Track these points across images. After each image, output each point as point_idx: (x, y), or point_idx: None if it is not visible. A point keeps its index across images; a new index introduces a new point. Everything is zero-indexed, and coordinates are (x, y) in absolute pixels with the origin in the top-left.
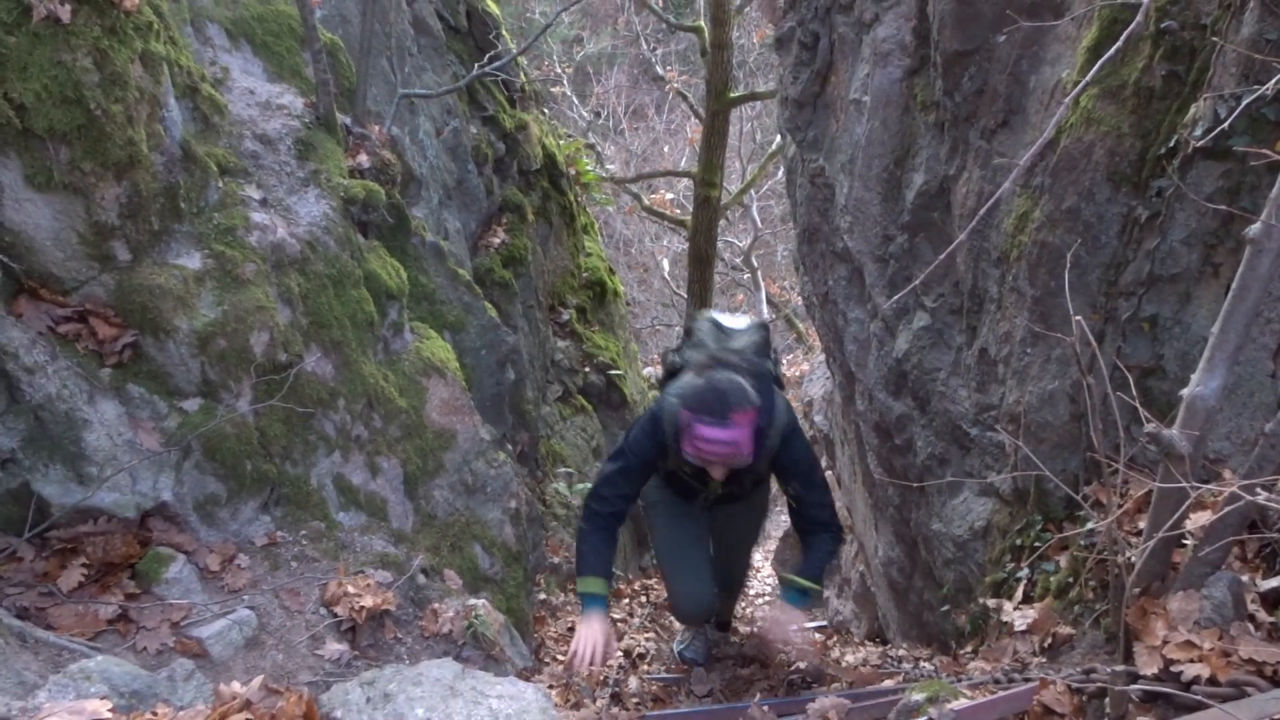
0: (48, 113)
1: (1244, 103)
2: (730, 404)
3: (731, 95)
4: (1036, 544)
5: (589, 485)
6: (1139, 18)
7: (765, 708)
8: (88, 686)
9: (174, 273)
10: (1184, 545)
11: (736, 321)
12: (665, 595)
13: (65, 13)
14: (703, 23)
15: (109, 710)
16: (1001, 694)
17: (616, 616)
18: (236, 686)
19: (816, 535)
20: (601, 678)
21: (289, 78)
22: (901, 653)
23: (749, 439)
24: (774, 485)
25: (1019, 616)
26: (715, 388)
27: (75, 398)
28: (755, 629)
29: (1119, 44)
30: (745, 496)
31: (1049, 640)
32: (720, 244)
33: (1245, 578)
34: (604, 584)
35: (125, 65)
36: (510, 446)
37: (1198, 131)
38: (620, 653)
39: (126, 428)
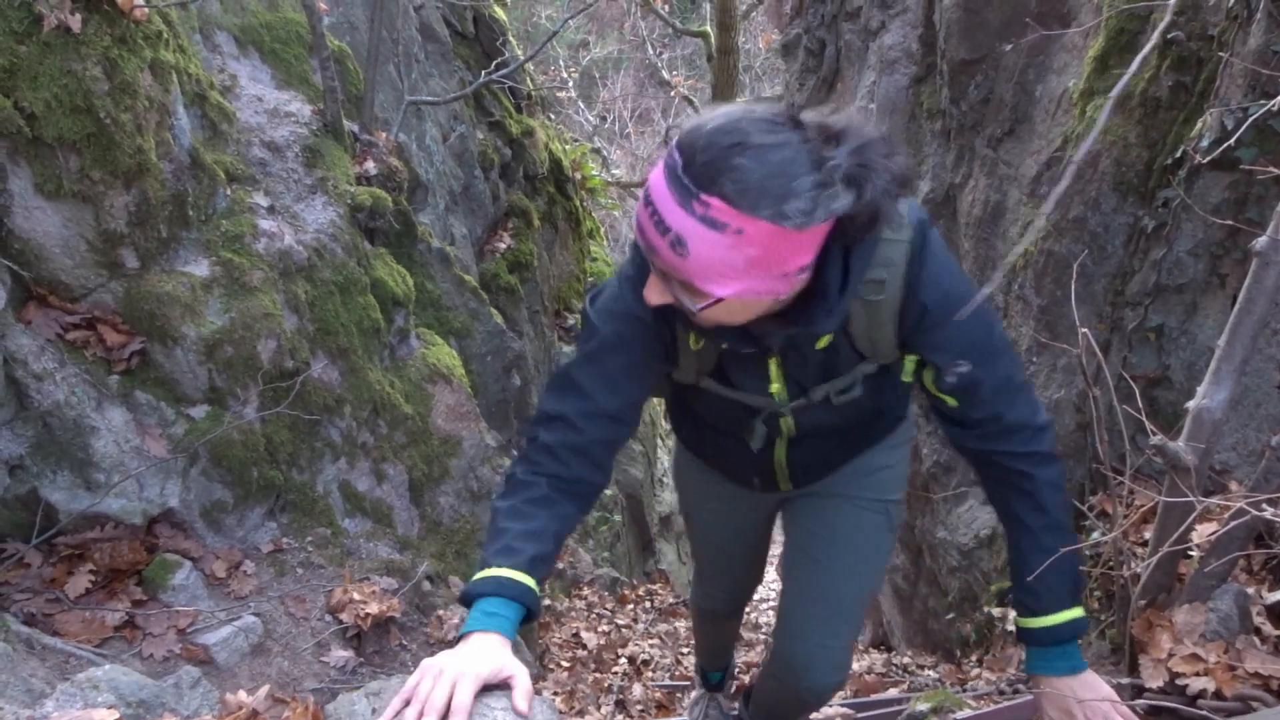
0: (58, 121)
1: (1251, 116)
2: (728, 167)
3: (737, 100)
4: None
5: None
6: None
7: None
8: (95, 696)
9: (182, 280)
10: (1190, 557)
11: None
12: (695, 582)
13: (75, 22)
14: (709, 28)
15: None
16: (1006, 704)
17: (621, 622)
18: (243, 696)
19: (1030, 482)
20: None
21: (297, 85)
22: (906, 660)
23: (760, 265)
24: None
25: None
26: (724, 130)
27: (83, 404)
28: None
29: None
30: (850, 450)
31: None
32: None
33: (1251, 591)
34: (523, 585)
35: (135, 74)
36: (515, 452)
37: (1204, 144)
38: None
39: (134, 434)
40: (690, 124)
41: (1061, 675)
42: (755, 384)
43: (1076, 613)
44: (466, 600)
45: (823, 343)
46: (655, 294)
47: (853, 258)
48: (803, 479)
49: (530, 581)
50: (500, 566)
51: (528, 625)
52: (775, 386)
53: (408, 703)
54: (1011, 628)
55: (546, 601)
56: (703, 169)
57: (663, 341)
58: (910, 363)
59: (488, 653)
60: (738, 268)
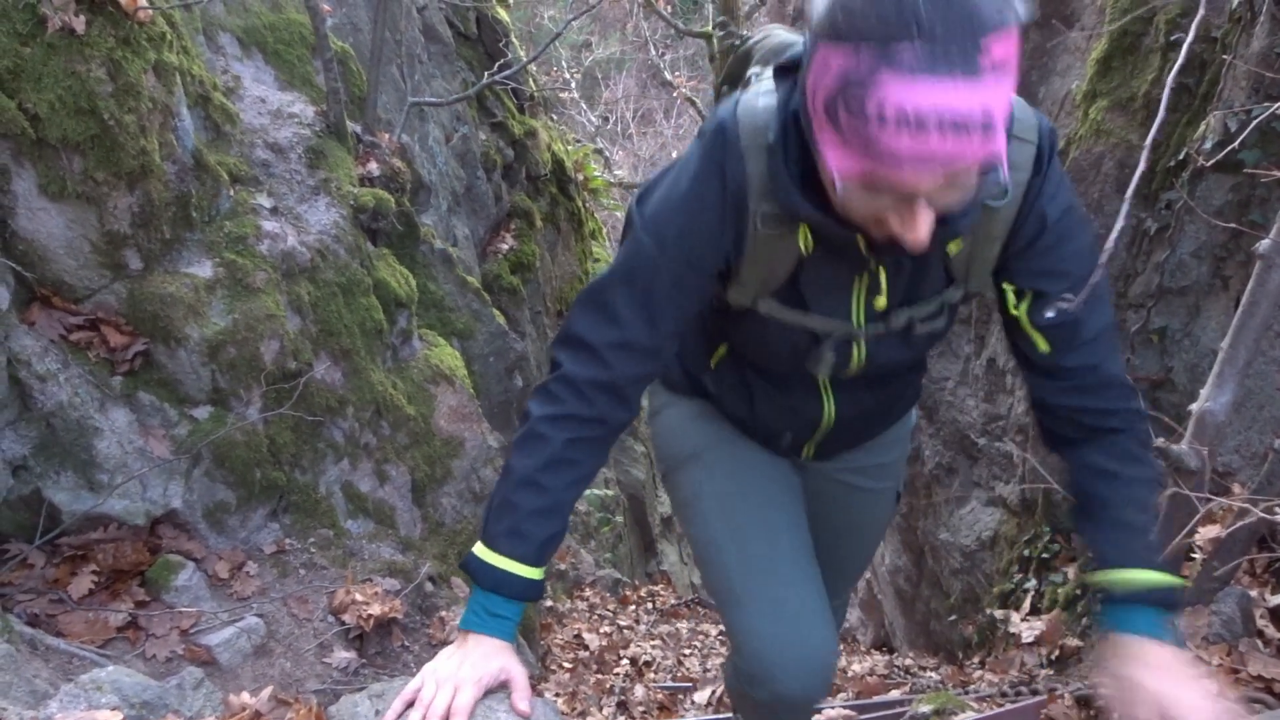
0: (61, 123)
1: (1255, 119)
2: (980, 12)
3: None
4: (1044, 555)
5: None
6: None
7: None
8: (99, 697)
9: (185, 281)
10: (1193, 560)
11: None
12: (732, 645)
13: (80, 24)
14: (711, 28)
15: None
16: (1009, 707)
17: (623, 624)
18: (246, 697)
19: (1126, 441)
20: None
21: (300, 86)
22: (908, 662)
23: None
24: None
25: (1026, 628)
26: None
27: (86, 405)
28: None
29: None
30: (882, 417)
31: (1056, 652)
32: None
33: (1255, 594)
34: (527, 581)
35: (138, 76)
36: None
37: (1207, 146)
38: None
39: (137, 435)
40: (833, 21)
41: (1156, 639)
42: (834, 303)
43: (1176, 576)
44: (467, 570)
45: (955, 247)
46: (923, 223)
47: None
48: (831, 446)
49: (538, 574)
50: (507, 557)
51: (533, 605)
52: (859, 305)
53: (410, 705)
54: (1014, 630)
55: (549, 603)
56: (953, 23)
57: (726, 250)
58: (1014, 291)
59: (488, 657)
60: (1004, 110)
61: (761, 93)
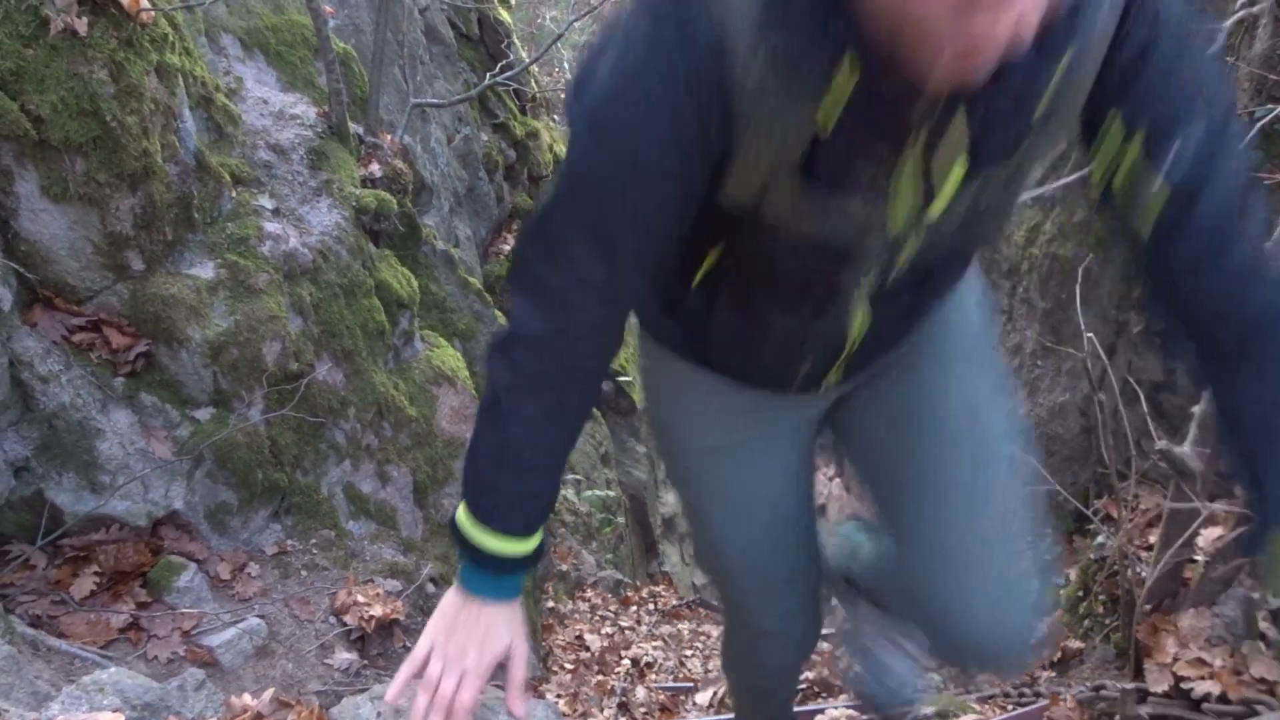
0: (64, 124)
1: (1258, 121)
2: None
3: None
4: (1046, 557)
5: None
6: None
7: None
8: (100, 699)
9: (187, 282)
10: (1195, 562)
11: None
12: (723, 630)
13: (82, 25)
14: None
15: None
16: (1014, 711)
17: (624, 624)
18: (247, 699)
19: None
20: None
21: (302, 87)
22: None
23: None
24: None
25: None
26: None
27: (88, 406)
28: None
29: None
30: (929, 299)
31: (1059, 655)
32: None
33: (1257, 596)
34: (529, 554)
35: (141, 77)
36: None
37: None
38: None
39: (139, 436)
40: None
41: None
42: (873, 186)
43: None
44: (457, 540)
45: (1054, 81)
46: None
47: None
48: (861, 360)
49: (535, 543)
50: (503, 536)
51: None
52: (912, 183)
53: (416, 677)
54: None
55: (550, 604)
56: None
57: (706, 142)
58: (1118, 129)
59: (497, 633)
60: None
61: None
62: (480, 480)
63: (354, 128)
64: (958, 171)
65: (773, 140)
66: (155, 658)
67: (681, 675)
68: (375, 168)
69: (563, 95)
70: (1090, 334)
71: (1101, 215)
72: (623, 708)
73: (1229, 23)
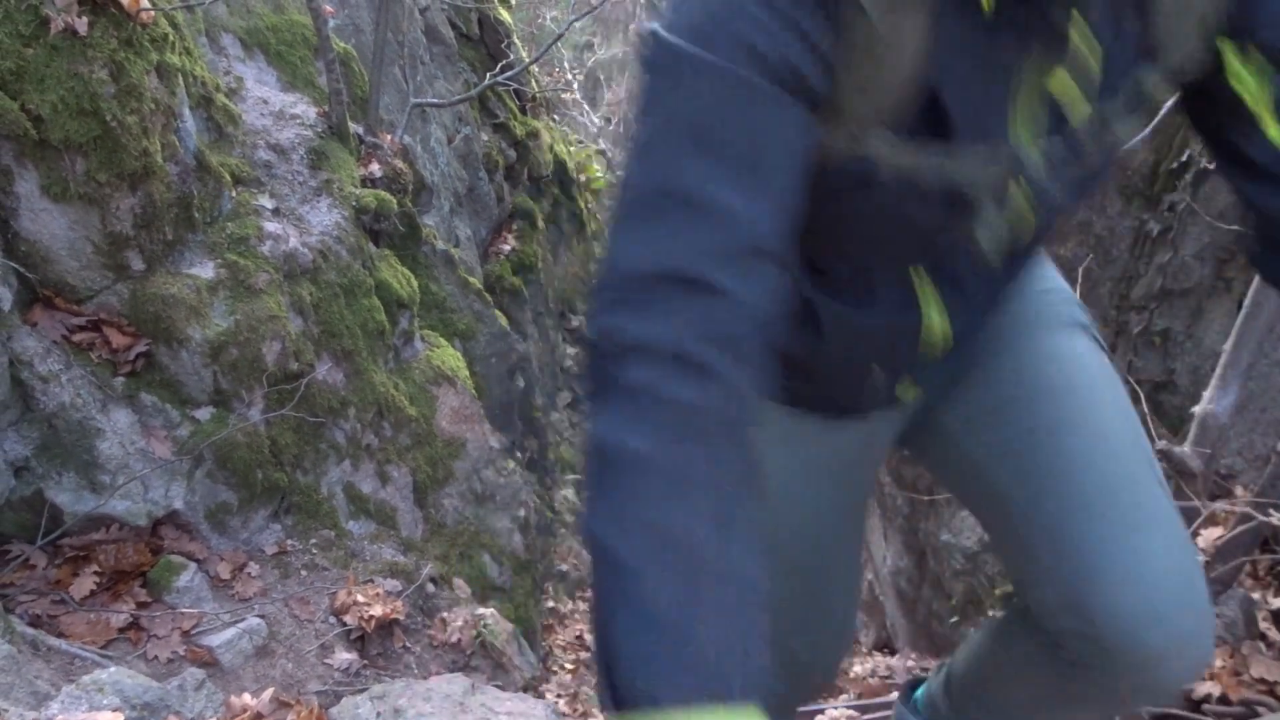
0: (64, 124)
1: None
2: None
3: None
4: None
5: None
6: None
7: None
8: (100, 698)
9: (187, 282)
10: None
11: None
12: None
13: (82, 25)
14: None
15: None
16: None
17: None
18: (247, 699)
19: None
20: None
21: (302, 87)
22: (910, 664)
23: None
24: None
25: None
26: None
27: (89, 406)
28: None
29: None
30: (1005, 289)
31: None
32: None
33: (1257, 596)
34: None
35: (141, 77)
36: (519, 454)
37: None
38: None
39: (139, 436)
40: None
41: None
42: (993, 116)
43: None
44: None
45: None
46: None
47: None
48: (941, 368)
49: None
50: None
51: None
52: (1038, 109)
53: None
54: None
55: (551, 604)
56: None
57: (814, 46)
58: (1238, 54)
59: None
60: None
61: None
62: (630, 615)
63: (354, 127)
64: (1079, 93)
65: (883, 50)
66: (155, 657)
67: None
68: (375, 168)
69: (564, 96)
70: None
71: (1215, 147)
72: None
73: None
